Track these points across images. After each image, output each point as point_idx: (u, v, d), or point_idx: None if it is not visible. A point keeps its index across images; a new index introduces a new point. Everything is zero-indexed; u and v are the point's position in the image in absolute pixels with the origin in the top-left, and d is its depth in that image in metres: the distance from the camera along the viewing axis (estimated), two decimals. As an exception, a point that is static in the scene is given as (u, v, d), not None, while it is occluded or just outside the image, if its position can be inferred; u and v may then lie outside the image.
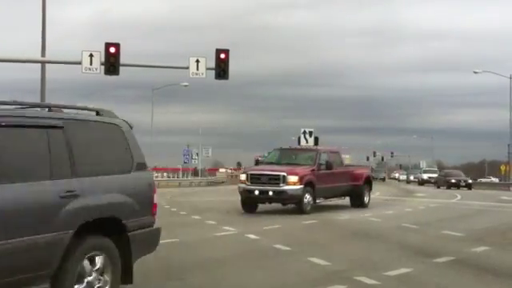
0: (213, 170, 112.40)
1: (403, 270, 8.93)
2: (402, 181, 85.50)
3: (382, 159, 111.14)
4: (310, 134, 33.77)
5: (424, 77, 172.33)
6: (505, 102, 57.00)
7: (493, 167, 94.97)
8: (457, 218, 19.17)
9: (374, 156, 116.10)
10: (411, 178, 79.29)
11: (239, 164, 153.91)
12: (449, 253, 10.74)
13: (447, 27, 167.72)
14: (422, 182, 65.13)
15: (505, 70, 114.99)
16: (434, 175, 63.17)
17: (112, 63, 24.84)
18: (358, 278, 8.23)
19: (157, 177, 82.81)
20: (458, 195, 35.76)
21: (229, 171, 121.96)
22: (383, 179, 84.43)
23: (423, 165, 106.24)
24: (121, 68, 25.27)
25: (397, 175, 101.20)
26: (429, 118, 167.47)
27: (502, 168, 71.26)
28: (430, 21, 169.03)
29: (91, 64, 25.12)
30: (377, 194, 38.19)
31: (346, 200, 23.18)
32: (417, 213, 21.66)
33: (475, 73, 57.32)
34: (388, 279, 8.30)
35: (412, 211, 22.38)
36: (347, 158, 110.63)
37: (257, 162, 24.03)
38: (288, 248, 11.24)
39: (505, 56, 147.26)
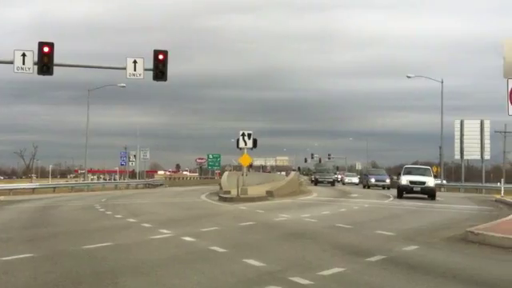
0: (151, 172, 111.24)
1: (336, 270, 9.10)
2: (349, 184, 69.09)
3: (320, 161, 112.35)
4: (249, 136, 33.85)
5: (360, 81, 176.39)
6: (437, 106, 58.72)
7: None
8: (389, 218, 19.68)
9: (312, 158, 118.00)
10: (372, 180, 56.36)
11: (178, 166, 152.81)
12: (381, 252, 11.02)
13: (383, 34, 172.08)
14: (429, 192, 34.29)
15: (436, 74, 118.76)
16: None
17: (45, 63, 24.28)
18: (292, 279, 8.33)
19: (92, 179, 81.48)
20: (391, 196, 36.65)
21: (167, 173, 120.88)
22: (332, 183, 64.76)
23: (359, 166, 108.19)
24: (58, 68, 24.77)
25: (339, 177, 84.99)
26: (365, 121, 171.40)
27: (434, 169, 73.73)
28: (367, 28, 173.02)
29: (24, 63, 24.49)
30: (314, 195, 38.72)
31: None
32: (351, 213, 22.09)
33: (408, 77, 59.10)
34: (322, 279, 8.44)
35: (347, 211, 22.81)
36: (285, 160, 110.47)
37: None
38: (224, 250, 11.26)
39: (436, 62, 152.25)
